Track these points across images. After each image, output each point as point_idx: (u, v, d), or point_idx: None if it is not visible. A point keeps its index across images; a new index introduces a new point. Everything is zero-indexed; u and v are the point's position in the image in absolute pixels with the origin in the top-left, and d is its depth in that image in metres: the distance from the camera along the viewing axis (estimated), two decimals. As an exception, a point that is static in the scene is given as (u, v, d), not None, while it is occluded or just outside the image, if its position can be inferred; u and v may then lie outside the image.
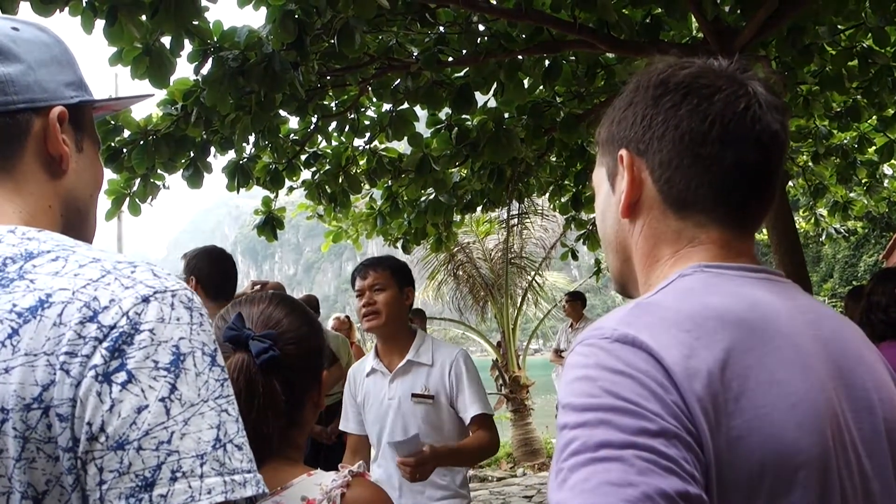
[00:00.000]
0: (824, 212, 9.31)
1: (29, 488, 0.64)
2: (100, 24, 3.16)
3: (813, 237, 10.95)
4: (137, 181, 4.72)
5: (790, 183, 8.18)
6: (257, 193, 5.79)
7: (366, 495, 1.17)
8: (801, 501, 0.70)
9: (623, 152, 0.88)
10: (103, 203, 4.85)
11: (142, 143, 4.25)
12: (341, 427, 2.74)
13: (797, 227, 6.27)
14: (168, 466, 0.63)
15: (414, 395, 2.52)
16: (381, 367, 2.62)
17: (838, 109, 5.95)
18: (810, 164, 7.62)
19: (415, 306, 8.05)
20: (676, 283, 0.81)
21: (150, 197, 4.86)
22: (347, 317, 7.18)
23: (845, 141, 7.08)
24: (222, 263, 2.84)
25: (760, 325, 0.76)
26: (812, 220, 9.78)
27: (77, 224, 0.84)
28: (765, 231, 5.19)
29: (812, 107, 5.62)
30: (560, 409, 0.71)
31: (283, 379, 1.15)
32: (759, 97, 0.83)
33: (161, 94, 4.12)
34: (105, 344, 0.65)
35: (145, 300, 0.69)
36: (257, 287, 2.73)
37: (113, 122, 4.25)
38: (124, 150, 4.31)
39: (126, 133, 4.31)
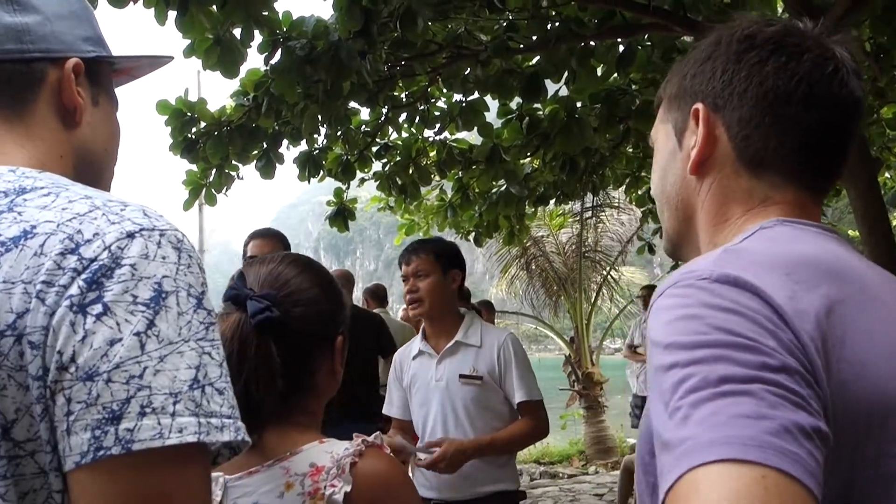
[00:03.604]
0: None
1: None
2: (171, 16, 3.25)
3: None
4: (213, 171, 4.86)
5: (886, 175, 7.71)
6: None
7: (379, 467, 1.11)
8: None
9: (699, 106, 0.86)
10: (181, 194, 5.02)
11: (216, 133, 4.37)
12: (385, 411, 2.78)
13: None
14: (137, 401, 0.62)
15: (462, 376, 2.52)
16: (428, 348, 2.64)
17: (941, 94, 5.54)
18: (910, 154, 7.15)
19: (489, 300, 8.03)
20: (760, 234, 0.79)
21: (225, 187, 5.00)
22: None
23: (949, 129, 6.60)
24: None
25: (850, 277, 0.74)
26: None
27: (90, 177, 0.85)
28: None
29: (911, 92, 5.26)
30: (660, 350, 0.67)
31: (286, 341, 1.10)
32: (846, 62, 0.83)
33: (233, 84, 4.23)
34: (83, 276, 0.65)
35: (130, 236, 0.68)
36: None
37: (189, 114, 4.39)
38: (200, 141, 4.44)
39: (202, 124, 4.44)
